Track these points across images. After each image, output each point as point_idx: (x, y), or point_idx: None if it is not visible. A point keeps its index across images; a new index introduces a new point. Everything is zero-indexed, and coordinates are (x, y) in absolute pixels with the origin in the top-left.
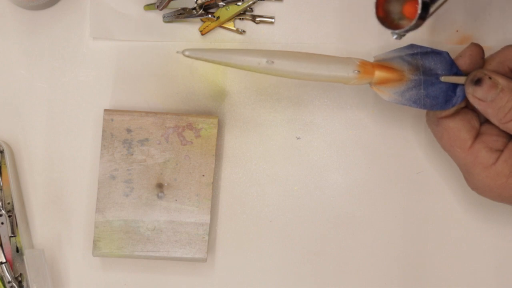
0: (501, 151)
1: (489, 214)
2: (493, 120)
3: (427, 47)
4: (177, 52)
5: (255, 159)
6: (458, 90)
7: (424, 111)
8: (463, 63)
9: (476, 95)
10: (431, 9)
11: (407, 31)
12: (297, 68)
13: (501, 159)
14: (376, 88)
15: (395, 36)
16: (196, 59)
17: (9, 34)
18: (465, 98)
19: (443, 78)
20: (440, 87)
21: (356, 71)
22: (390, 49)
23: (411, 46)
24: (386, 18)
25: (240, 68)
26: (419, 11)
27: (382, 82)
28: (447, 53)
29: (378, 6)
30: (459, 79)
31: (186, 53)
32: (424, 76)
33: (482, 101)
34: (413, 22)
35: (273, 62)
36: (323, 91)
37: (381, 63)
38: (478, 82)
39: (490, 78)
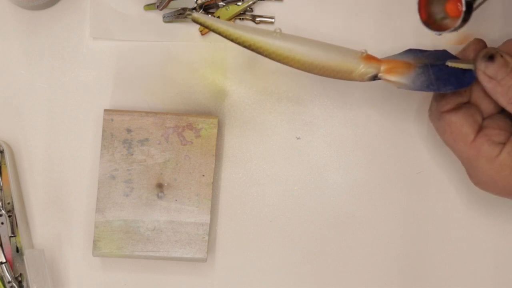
0: (504, 144)
1: (490, 214)
2: (501, 100)
3: (425, 50)
4: (186, 15)
5: (255, 159)
6: (467, 75)
7: (425, 109)
8: (467, 56)
9: (487, 72)
10: (474, 6)
11: (453, 31)
12: (305, 48)
13: (505, 151)
14: (386, 78)
15: (436, 34)
16: (203, 23)
17: (9, 34)
18: (470, 85)
19: (449, 63)
20: (448, 70)
21: (364, 52)
22: (390, 51)
23: (410, 50)
24: (429, 19)
25: (247, 40)
26: (463, 9)
27: (390, 70)
28: (446, 50)
29: (420, 9)
30: (466, 65)
31: (195, 15)
32: (431, 65)
33: (492, 80)
34: (458, 22)
35: (280, 30)
36: (323, 91)
37: (385, 59)
38: (490, 58)
39: (501, 56)
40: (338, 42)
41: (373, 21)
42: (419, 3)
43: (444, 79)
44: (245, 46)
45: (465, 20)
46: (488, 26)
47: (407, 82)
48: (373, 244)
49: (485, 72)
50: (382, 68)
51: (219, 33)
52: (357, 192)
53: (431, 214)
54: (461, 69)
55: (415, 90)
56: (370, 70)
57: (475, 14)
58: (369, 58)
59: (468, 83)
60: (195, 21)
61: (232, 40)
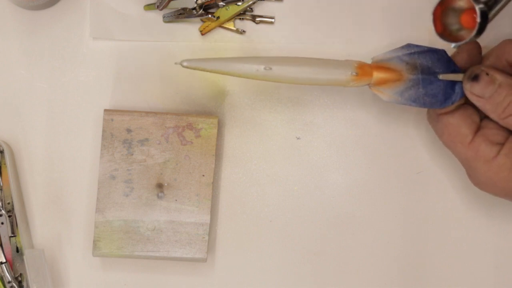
0: (502, 144)
1: (490, 214)
2: (492, 116)
3: (424, 46)
4: (176, 63)
5: (255, 159)
6: (457, 87)
7: (424, 110)
8: (460, 59)
9: (474, 92)
10: (490, 16)
11: (469, 42)
12: (295, 74)
13: (502, 153)
14: (375, 89)
15: (453, 46)
16: (194, 69)
17: (9, 34)
18: (464, 95)
19: (441, 76)
20: (438, 85)
21: (354, 73)
22: (389, 47)
23: (408, 46)
24: (444, 31)
25: (239, 76)
26: (478, 20)
27: (380, 83)
28: (444, 51)
29: (435, 21)
30: (457, 76)
31: (185, 63)
32: (422, 75)
33: (480, 98)
34: (473, 33)
35: (271, 68)
36: (323, 91)
37: (379, 64)
38: (475, 78)
39: (487, 74)
40: (337, 42)
41: (373, 20)
42: (434, 15)
43: (431, 95)
44: (240, 76)
45: (481, 30)
46: (487, 28)
47: (395, 95)
48: (373, 244)
49: (471, 91)
50: (373, 80)
51: (212, 73)
52: (357, 192)
53: (431, 214)
54: (452, 81)
55: (402, 104)
56: (361, 84)
57: None
58: (359, 76)
59: (454, 100)
60: (187, 67)
61: (226, 75)
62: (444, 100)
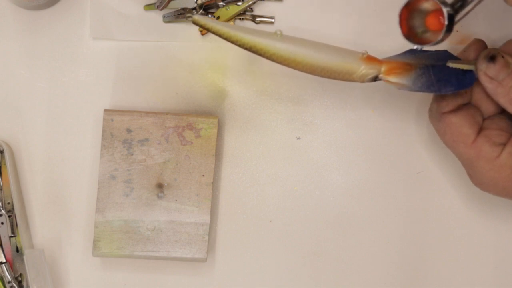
0: (504, 144)
1: (490, 214)
2: (502, 100)
3: (426, 50)
4: (187, 17)
5: (255, 159)
6: (468, 76)
7: (425, 109)
8: (467, 56)
9: (488, 73)
10: (456, 19)
11: (435, 44)
12: (304, 48)
13: (505, 152)
14: (387, 80)
15: (416, 47)
16: (203, 26)
17: (9, 34)
18: (471, 86)
19: (450, 64)
20: (449, 71)
21: (364, 54)
22: (390, 50)
23: (410, 51)
24: (410, 33)
25: (247, 42)
26: (446, 23)
27: (391, 71)
28: (447, 50)
29: (401, 23)
30: (466, 65)
31: (196, 17)
32: (431, 65)
33: (493, 80)
34: (440, 36)
35: (281, 32)
36: (323, 91)
37: (385, 59)
38: (492, 59)
39: (503, 57)
40: (338, 43)
41: (374, 22)
42: (400, 17)
43: (445, 80)
44: (245, 48)
45: (448, 32)
46: (488, 26)
47: (408, 83)
48: (373, 244)
49: (486, 72)
50: (383, 69)
51: (219, 35)
52: (357, 192)
53: (431, 214)
54: (462, 70)
55: (416, 91)
56: (371, 72)
57: (476, 15)
58: (370, 59)
59: (469, 84)
60: (195, 23)
61: (232, 42)
62: (457, 84)
